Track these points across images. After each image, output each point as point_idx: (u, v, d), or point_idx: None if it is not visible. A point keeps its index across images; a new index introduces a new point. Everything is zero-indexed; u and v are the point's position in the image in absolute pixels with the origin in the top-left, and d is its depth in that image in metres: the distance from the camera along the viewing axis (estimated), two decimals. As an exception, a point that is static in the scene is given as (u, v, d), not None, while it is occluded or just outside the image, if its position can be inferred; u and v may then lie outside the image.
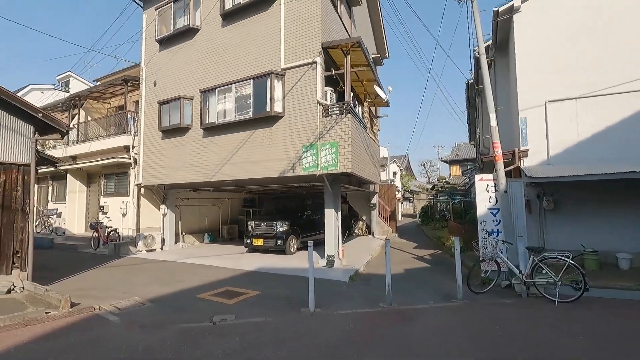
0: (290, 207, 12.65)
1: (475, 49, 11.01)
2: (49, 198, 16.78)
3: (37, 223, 16.41)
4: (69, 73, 23.59)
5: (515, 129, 9.17)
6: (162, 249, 12.84)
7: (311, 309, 5.67)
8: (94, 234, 12.86)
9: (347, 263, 9.45)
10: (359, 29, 13.29)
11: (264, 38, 9.70)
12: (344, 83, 8.83)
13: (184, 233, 14.36)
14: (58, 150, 15.44)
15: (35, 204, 16.74)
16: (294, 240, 11.41)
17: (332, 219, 9.34)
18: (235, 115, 9.76)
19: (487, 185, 7.66)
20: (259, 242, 11.36)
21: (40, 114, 7.33)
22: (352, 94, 9.96)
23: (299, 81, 8.97)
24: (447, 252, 11.91)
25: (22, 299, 6.46)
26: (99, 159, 13.52)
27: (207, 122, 10.40)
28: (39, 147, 16.50)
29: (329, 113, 8.57)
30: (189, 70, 11.24)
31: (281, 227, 11.19)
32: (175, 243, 13.48)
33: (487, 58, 8.78)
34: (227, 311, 5.75)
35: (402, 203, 41.01)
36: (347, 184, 11.09)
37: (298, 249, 11.70)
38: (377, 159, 13.10)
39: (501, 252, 7.12)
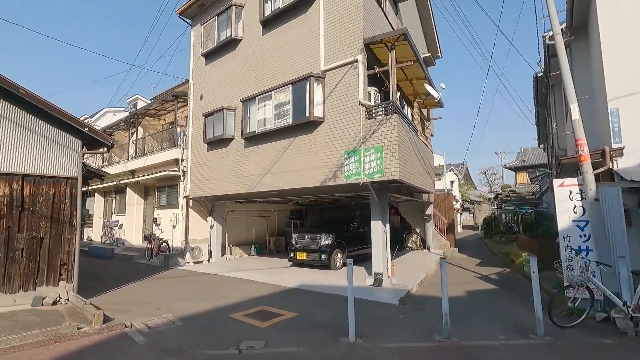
0: (336, 219, 11.90)
1: (545, 34, 9.52)
2: (113, 210, 17.93)
3: (102, 234, 17.60)
4: (137, 95, 25.57)
5: (602, 123, 7.54)
6: (208, 261, 12.81)
7: (351, 339, 4.82)
8: (148, 245, 13.27)
9: (398, 282, 8.40)
10: (408, 27, 12.34)
11: (303, 41, 9.25)
12: (389, 82, 7.98)
13: (231, 245, 14.30)
14: (120, 166, 16.48)
15: (102, 216, 17.99)
16: (339, 254, 10.61)
17: (379, 231, 8.41)
18: (274, 123, 9.37)
19: (571, 192, 6.23)
20: (302, 256, 10.74)
21: (87, 129, 7.52)
22: (398, 93, 9.05)
23: (339, 83, 8.32)
24: (518, 271, 10.22)
25: (64, 311, 6.47)
26: (153, 172, 14.06)
27: (247, 131, 10.15)
28: (105, 163, 17.81)
29: (373, 114, 7.76)
30: (232, 81, 11.19)
31: (325, 240, 10.47)
32: (222, 255, 13.41)
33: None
34: (257, 336, 5.13)
35: (461, 214, 38.12)
36: (396, 193, 10.08)
37: (344, 264, 10.84)
38: (430, 165, 11.89)
39: (594, 276, 5.64)
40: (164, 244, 13.00)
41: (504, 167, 39.77)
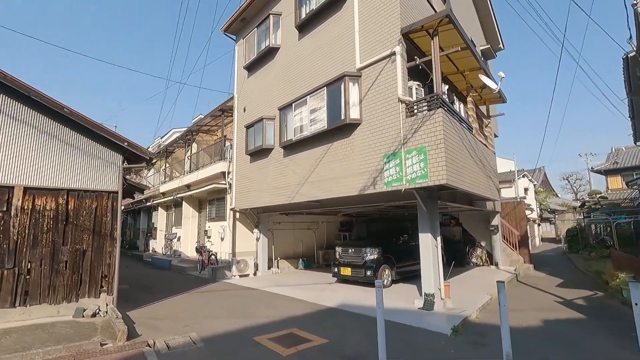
0: (384, 231, 10.89)
1: (637, 2, 7.73)
2: (172, 223, 18.89)
3: (163, 245, 18.58)
4: (200, 115, 27.28)
5: None
6: (255, 274, 12.58)
7: (381, 381, 3.91)
8: (199, 257, 13.51)
9: (454, 306, 7.15)
10: (460, 16, 11.10)
11: (338, 40, 8.65)
12: (433, 73, 6.96)
13: (278, 258, 13.97)
14: (177, 180, 17.33)
15: (164, 229, 19.03)
16: (387, 270, 9.57)
17: (428, 245, 7.29)
18: (310, 129, 8.83)
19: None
20: (346, 271, 9.91)
21: (126, 143, 7.70)
22: (446, 87, 7.93)
23: (376, 80, 7.51)
24: (615, 296, 8.18)
25: (100, 324, 6.48)
26: (203, 185, 14.43)
27: (285, 139, 9.76)
28: (167, 179, 18.86)
29: (414, 111, 6.80)
30: (271, 91, 10.99)
31: (371, 254, 9.52)
32: (269, 268, 13.11)
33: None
34: (274, 367, 4.46)
35: (539, 225, 33.80)
36: (450, 201, 8.83)
37: (394, 281, 9.77)
38: (492, 169, 10.33)
39: None
40: (212, 256, 13.12)
41: (591, 171, 34.49)
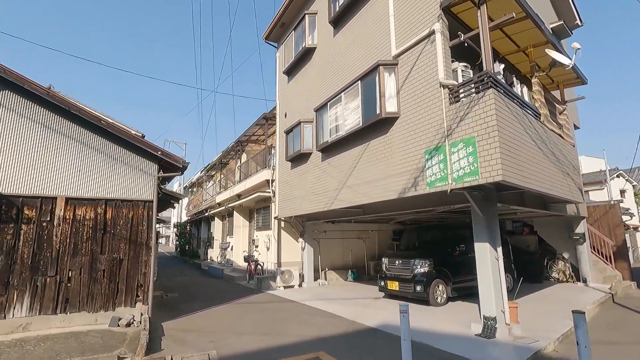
0: (436, 239, 9.57)
1: None
2: (226, 233, 19.33)
3: (218, 254, 19.07)
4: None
5: None
6: (300, 285, 12.03)
7: None
8: (247, 267, 13.41)
9: (523, 333, 5.75)
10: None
11: (372, 29, 7.85)
12: (482, 49, 5.79)
13: (326, 269, 13.27)
14: (229, 190, 17.70)
15: (220, 239, 19.55)
16: (441, 286, 8.30)
17: (486, 257, 6.01)
18: (345, 128, 8.09)
19: None
20: (393, 285, 8.83)
21: (159, 152, 7.74)
22: (502, 65, 6.63)
23: (414, 65, 6.54)
24: None
25: (131, 334, 6.39)
26: (250, 194, 14.42)
27: (321, 141, 9.14)
28: (222, 189, 19.43)
29: (459, 96, 5.69)
30: (309, 92, 10.51)
31: (421, 267, 8.35)
32: (315, 280, 12.47)
33: None
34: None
35: (643, 233, 28.31)
36: (516, 204, 7.35)
37: (450, 299, 8.45)
38: (570, 164, 8.50)
39: None
40: (258, 266, 12.91)
41: None
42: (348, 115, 8.02)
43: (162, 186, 7.84)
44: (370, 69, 7.26)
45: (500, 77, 6.07)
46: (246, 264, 13.59)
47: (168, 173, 8.10)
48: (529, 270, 10.66)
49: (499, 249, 6.12)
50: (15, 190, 6.55)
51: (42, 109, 6.91)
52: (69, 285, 6.76)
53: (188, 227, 29.21)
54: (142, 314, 7.22)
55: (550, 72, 7.91)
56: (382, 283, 9.23)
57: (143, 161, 7.71)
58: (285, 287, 11.68)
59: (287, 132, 11.19)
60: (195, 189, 31.03)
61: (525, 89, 7.54)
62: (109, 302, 7.05)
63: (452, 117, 5.69)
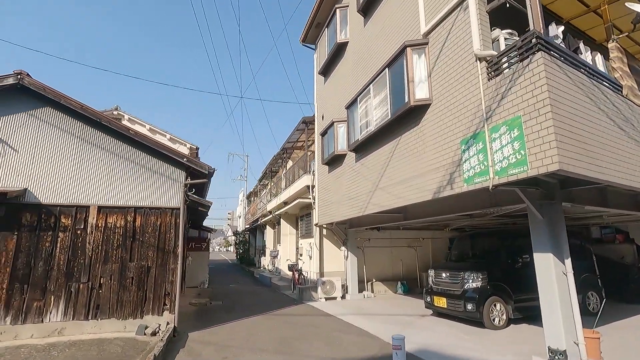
0: (493, 249, 8.09)
1: None
2: (276, 241, 19.27)
3: (268, 262, 19.06)
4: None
5: None
6: (343, 297, 11.23)
7: None
8: (292, 276, 13.03)
9: (607, 375, 4.31)
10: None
11: (399, 10, 6.96)
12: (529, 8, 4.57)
13: (373, 280, 12.27)
14: (276, 199, 17.65)
15: (271, 247, 19.59)
16: (498, 305, 6.90)
17: (549, 273, 4.70)
18: (375, 123, 7.24)
19: None
20: (440, 301, 7.62)
21: (185, 159, 7.69)
22: (560, 27, 5.25)
23: (446, 40, 5.52)
24: None
25: (153, 344, 6.23)
26: (293, 201, 14.09)
27: (352, 140, 8.38)
28: (271, 197, 19.51)
29: (500, 67, 4.55)
30: (342, 90, 9.84)
31: (472, 281, 7.05)
32: (360, 292, 11.56)
33: None
34: None
35: None
36: (593, 203, 5.78)
37: (511, 320, 6.99)
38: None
39: None
40: (300, 275, 12.42)
41: None
42: (377, 108, 7.18)
43: (189, 193, 7.75)
44: (397, 53, 6.36)
45: (559, 41, 4.77)
46: (291, 272, 13.21)
47: (196, 179, 8.01)
48: (623, 287, 8.54)
49: (568, 262, 4.74)
50: (54, 200, 6.91)
51: (77, 121, 7.27)
52: (100, 292, 6.90)
53: (246, 235, 30.10)
54: (167, 323, 7.11)
55: (634, 32, 6.16)
56: (428, 299, 8.05)
57: (170, 168, 7.71)
58: (326, 299, 10.99)
59: (322, 134, 10.62)
60: (253, 198, 32.00)
61: (599, 57, 5.96)
62: (137, 310, 7.06)
63: (491, 95, 4.57)
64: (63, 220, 6.93)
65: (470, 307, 6.83)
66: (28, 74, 6.97)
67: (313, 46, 13.25)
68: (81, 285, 6.82)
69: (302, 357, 5.59)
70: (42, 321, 6.52)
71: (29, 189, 6.80)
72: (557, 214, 4.83)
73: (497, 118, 4.43)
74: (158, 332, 6.87)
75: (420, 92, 5.92)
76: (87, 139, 7.28)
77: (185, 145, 18.83)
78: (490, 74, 4.63)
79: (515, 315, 6.95)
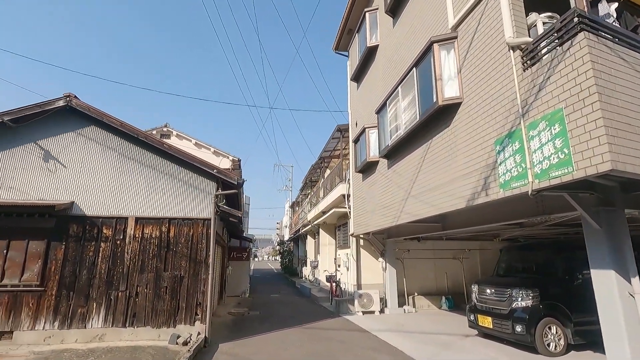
0: (548, 262, 7.13)
1: None
2: (316, 251, 19.09)
3: (309, 272, 18.91)
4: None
5: None
6: (381, 311, 10.68)
7: None
8: (330, 287, 12.74)
9: None
10: None
11: (426, 3, 6.53)
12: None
13: (415, 294, 11.55)
14: (314, 209, 17.54)
15: (312, 257, 19.47)
16: (554, 328, 6.01)
17: (611, 293, 3.95)
18: (404, 126, 6.81)
19: None
20: (485, 321, 6.85)
21: (215, 170, 7.83)
22: (613, 4, 4.50)
23: (476, 31, 5.02)
24: None
25: (183, 354, 6.30)
26: (329, 210, 13.87)
27: (383, 146, 7.98)
28: (311, 207, 19.48)
29: (537, 55, 3.97)
30: (373, 95, 9.51)
31: (522, 299, 6.24)
32: (400, 306, 10.91)
33: None
34: None
35: None
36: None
37: (570, 346, 6.05)
38: None
39: None
40: (337, 287, 12.07)
41: None
42: (405, 111, 6.75)
43: (219, 204, 7.86)
44: (424, 51, 5.93)
45: (611, 20, 4.08)
46: (329, 284, 12.91)
47: (226, 190, 8.12)
48: None
49: (636, 281, 3.94)
50: (96, 212, 7.37)
51: (117, 138, 7.74)
52: (136, 300, 7.17)
53: (290, 245, 30.35)
54: (199, 333, 7.17)
55: None
56: (472, 317, 7.30)
57: (202, 180, 7.89)
58: (364, 313, 10.50)
59: (355, 141, 10.32)
60: (296, 208, 32.30)
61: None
62: (170, 319, 7.21)
63: (527, 87, 4.00)
64: (104, 231, 7.35)
65: (519, 329, 6.03)
66: (75, 96, 7.59)
67: (346, 53, 13.07)
68: (120, 294, 7.14)
69: (326, 376, 5.26)
70: (85, 327, 6.90)
71: (75, 201, 7.33)
72: (619, 222, 4.06)
73: (534, 113, 3.86)
74: (189, 341, 6.94)
75: (449, 90, 5.44)
76: (126, 154, 7.71)
77: (227, 157, 19.56)
78: (525, 64, 4.07)
79: (576, 340, 6.00)
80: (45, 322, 6.78)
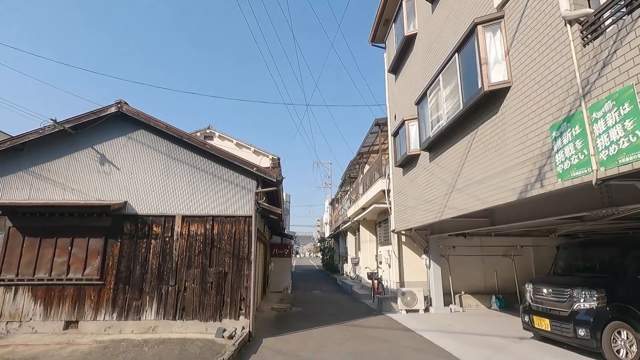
0: (615, 260, 6.42)
1: None
2: (357, 248, 18.90)
3: (350, 269, 18.78)
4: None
5: None
6: (426, 310, 10.32)
7: None
8: (372, 285, 12.55)
9: None
10: None
11: (469, -16, 6.11)
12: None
13: (462, 292, 11.03)
14: (354, 205, 17.36)
15: (352, 254, 19.35)
16: (625, 333, 5.40)
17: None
18: (446, 116, 6.45)
19: None
20: (542, 323, 6.33)
21: (255, 168, 7.97)
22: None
23: (526, 7, 4.59)
24: None
25: (227, 347, 6.49)
26: (369, 206, 13.64)
27: (424, 139, 7.64)
28: (351, 204, 19.34)
29: (599, 27, 3.52)
30: (413, 87, 9.15)
31: (585, 300, 5.68)
32: (446, 305, 10.48)
33: None
34: None
35: None
36: None
37: (645, 355, 5.39)
38: None
39: None
40: (379, 284, 11.84)
41: None
42: (447, 100, 6.39)
43: (259, 201, 7.99)
44: (466, 34, 5.55)
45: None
46: (370, 281, 12.72)
47: (266, 188, 8.24)
48: None
49: None
50: (147, 211, 7.81)
51: (164, 140, 8.13)
52: (185, 294, 7.51)
53: (330, 241, 30.40)
54: (243, 328, 7.36)
55: None
56: (527, 318, 6.78)
57: (242, 178, 8.07)
58: (407, 311, 10.21)
59: (394, 134, 10.01)
60: (336, 205, 32.28)
61: None
62: (216, 313, 7.47)
63: (588, 64, 3.57)
64: (155, 228, 7.76)
65: (582, 333, 5.49)
66: (126, 103, 8.08)
67: (383, 45, 12.72)
68: (170, 288, 7.51)
69: (369, 376, 5.14)
70: (140, 319, 7.34)
71: (128, 201, 7.81)
72: None
73: (598, 92, 3.43)
74: (234, 335, 7.14)
75: (496, 74, 5.04)
76: (172, 155, 8.08)
77: (267, 156, 19.93)
78: (586, 38, 3.64)
79: (649, 347, 5.34)
80: (105, 314, 7.31)
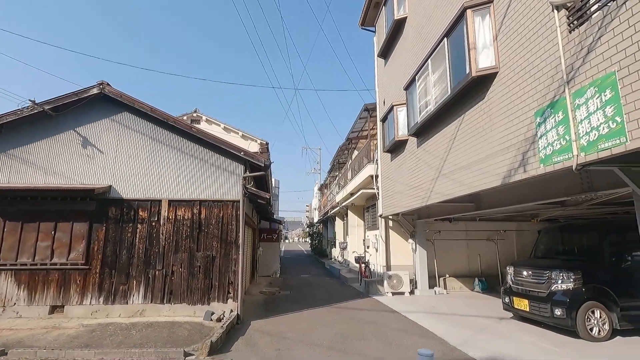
0: (592, 244, 6.67)
1: None
2: (345, 232, 19.11)
3: (338, 254, 19.03)
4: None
5: None
6: (411, 292, 10.58)
7: None
8: (359, 268, 12.76)
9: None
10: None
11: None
12: None
13: (446, 275, 11.33)
14: (343, 190, 17.45)
15: (340, 239, 19.56)
16: (598, 312, 5.66)
17: (666, 277, 3.59)
18: (434, 102, 6.47)
19: None
20: (521, 304, 6.58)
21: (242, 152, 7.90)
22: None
23: (514, -7, 4.58)
24: None
25: (216, 329, 6.55)
26: (357, 191, 13.73)
27: (412, 124, 7.67)
28: (339, 189, 19.42)
29: (584, 13, 3.55)
30: (402, 72, 9.10)
31: (562, 282, 5.91)
32: (431, 288, 10.76)
33: None
34: None
35: None
36: None
37: (615, 332, 5.69)
38: None
39: None
40: (366, 268, 12.05)
41: None
42: (436, 85, 6.40)
43: (247, 186, 7.96)
44: (456, 18, 5.52)
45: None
46: (358, 265, 12.93)
47: (254, 173, 8.20)
48: None
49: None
50: (132, 195, 7.69)
51: (149, 123, 7.95)
52: (172, 278, 7.50)
53: (319, 226, 30.63)
54: (231, 311, 7.43)
55: None
56: (507, 299, 7.04)
57: (230, 162, 8.00)
58: (393, 294, 10.45)
59: (383, 120, 10.02)
60: (324, 190, 32.39)
61: None
62: (204, 297, 7.51)
63: (573, 51, 3.61)
64: (141, 213, 7.68)
65: (558, 313, 5.73)
66: (108, 84, 7.84)
67: (373, 28, 12.56)
68: (157, 272, 7.49)
69: (355, 355, 5.29)
70: (127, 303, 7.33)
71: (113, 185, 7.68)
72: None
73: (581, 79, 3.48)
74: (222, 318, 7.21)
75: (484, 59, 5.06)
76: (158, 139, 7.93)
77: (255, 141, 19.71)
78: (572, 24, 3.66)
79: (622, 325, 5.63)
80: (91, 298, 7.27)
